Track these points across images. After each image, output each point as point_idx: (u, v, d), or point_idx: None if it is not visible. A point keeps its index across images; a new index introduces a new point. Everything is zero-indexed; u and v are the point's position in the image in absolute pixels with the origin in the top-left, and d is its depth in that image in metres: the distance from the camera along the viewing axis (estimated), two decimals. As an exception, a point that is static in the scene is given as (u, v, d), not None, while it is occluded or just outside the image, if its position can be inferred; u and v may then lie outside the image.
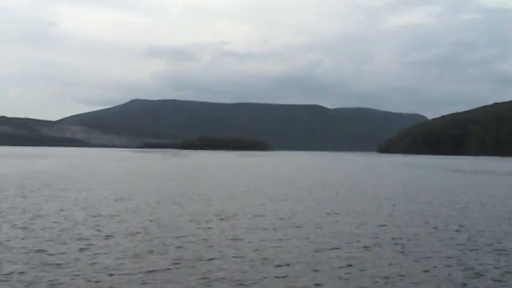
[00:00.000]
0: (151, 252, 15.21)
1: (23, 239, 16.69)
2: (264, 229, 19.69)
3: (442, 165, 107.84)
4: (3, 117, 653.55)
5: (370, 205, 28.82)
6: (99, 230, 18.64)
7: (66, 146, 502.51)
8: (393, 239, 18.21)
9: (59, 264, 13.42)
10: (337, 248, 16.40)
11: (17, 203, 26.10)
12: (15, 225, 19.36)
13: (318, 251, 15.82)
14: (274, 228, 19.98)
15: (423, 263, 14.59)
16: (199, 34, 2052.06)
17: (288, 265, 13.95)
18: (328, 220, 22.52)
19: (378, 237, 18.36)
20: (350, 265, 14.15)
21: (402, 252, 16.02)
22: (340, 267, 13.89)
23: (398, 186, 44.29)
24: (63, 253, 14.71)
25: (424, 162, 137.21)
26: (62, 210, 23.97)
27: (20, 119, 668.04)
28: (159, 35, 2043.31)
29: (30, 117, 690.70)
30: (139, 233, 18.37)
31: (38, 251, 14.78)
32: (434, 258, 15.15)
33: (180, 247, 15.94)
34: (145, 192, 33.94)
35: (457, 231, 20.25)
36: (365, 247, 16.64)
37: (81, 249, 15.19)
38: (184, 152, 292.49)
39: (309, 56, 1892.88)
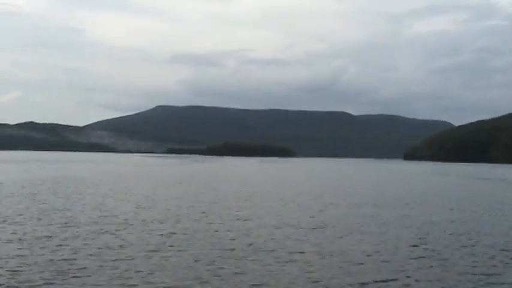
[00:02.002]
0: (177, 265, 14.81)
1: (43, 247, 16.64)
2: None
3: (472, 173, 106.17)
4: (32, 122, 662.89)
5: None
6: (122, 239, 18.42)
7: (93, 151, 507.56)
8: (433, 250, 17.97)
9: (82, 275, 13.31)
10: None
11: (47, 208, 26.11)
12: (40, 233, 19.27)
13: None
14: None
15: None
16: (223, 41, 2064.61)
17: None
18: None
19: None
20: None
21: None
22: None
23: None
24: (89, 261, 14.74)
25: (453, 169, 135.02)
26: (89, 216, 23.93)
27: (48, 124, 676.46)
28: (184, 42, 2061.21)
29: (58, 123, 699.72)
30: (163, 243, 17.93)
31: (64, 260, 14.73)
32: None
33: (212, 262, 15.26)
34: (172, 198, 33.87)
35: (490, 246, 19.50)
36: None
37: (104, 260, 14.98)
38: (209, 158, 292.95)
39: (334, 62, 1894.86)
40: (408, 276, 14.16)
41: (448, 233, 21.93)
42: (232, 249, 17.12)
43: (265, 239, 19.19)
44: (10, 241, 17.44)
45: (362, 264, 15.51)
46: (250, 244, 18.18)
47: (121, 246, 17.11)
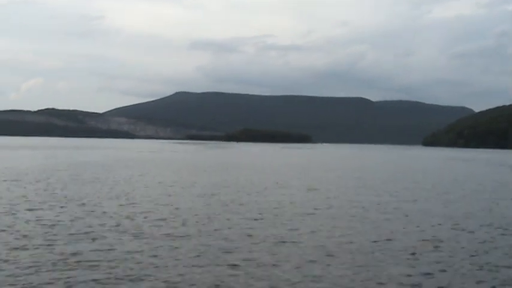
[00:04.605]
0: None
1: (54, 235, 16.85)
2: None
3: (496, 160, 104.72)
4: (53, 109, 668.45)
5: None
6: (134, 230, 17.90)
7: (112, 137, 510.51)
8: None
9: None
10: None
11: (70, 193, 26.62)
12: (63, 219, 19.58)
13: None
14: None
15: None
16: (242, 27, 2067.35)
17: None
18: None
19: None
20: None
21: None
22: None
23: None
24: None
25: (475, 156, 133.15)
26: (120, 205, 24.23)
27: (68, 111, 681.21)
28: (203, 28, 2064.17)
29: (78, 109, 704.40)
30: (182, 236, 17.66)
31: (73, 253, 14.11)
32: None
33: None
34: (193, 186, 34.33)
35: None
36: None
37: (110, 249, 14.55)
38: (230, 144, 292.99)
39: (353, 48, 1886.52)
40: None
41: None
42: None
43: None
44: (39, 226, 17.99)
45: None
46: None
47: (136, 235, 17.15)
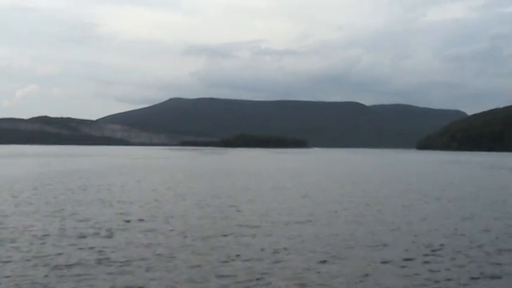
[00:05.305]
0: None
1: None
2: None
3: (490, 163, 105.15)
4: (46, 116, 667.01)
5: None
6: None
7: (106, 144, 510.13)
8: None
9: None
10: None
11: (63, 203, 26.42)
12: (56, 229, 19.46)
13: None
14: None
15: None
16: (237, 32, 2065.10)
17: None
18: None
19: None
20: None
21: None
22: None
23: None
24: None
25: (469, 159, 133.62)
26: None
27: (61, 118, 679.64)
28: (197, 34, 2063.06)
29: (71, 117, 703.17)
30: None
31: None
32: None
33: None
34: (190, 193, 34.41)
35: None
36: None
37: (98, 261, 14.20)
38: (226, 150, 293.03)
39: (348, 52, 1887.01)
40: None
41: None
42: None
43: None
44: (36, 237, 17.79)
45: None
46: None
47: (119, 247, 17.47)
